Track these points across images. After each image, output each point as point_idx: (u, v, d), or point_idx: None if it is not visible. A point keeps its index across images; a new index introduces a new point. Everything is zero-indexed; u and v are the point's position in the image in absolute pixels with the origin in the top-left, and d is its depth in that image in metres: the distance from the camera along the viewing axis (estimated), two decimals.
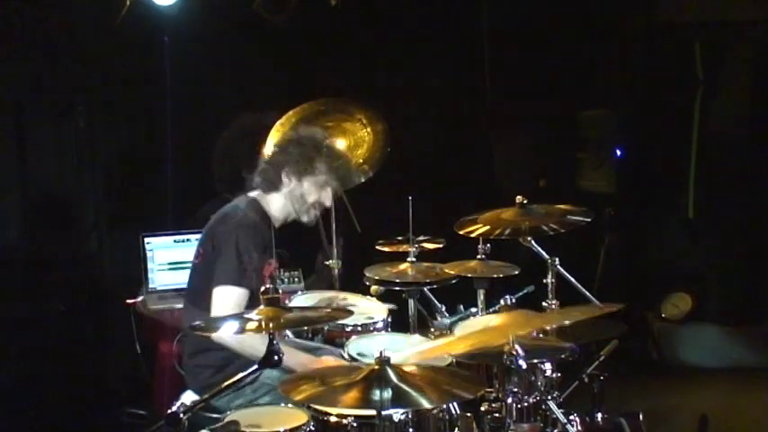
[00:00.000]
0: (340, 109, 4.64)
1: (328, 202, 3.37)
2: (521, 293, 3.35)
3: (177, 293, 4.04)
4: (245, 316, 2.42)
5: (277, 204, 3.32)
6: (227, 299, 3.07)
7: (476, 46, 5.99)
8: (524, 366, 2.66)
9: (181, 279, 3.98)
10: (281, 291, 2.47)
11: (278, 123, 3.98)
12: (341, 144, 4.55)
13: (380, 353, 2.32)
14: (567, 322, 2.80)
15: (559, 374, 3.05)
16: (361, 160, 4.54)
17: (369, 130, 4.60)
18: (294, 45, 5.37)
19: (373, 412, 2.33)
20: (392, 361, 2.31)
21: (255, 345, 2.86)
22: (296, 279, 4.66)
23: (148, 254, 4.46)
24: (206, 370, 3.19)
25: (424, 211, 3.56)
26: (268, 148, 3.38)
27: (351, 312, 2.70)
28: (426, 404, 2.29)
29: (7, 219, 4.69)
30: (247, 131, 4.09)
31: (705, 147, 5.72)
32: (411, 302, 3.58)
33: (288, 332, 3.49)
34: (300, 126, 3.45)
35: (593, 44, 5.98)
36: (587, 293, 3.32)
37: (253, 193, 3.34)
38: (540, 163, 6.06)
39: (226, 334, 2.93)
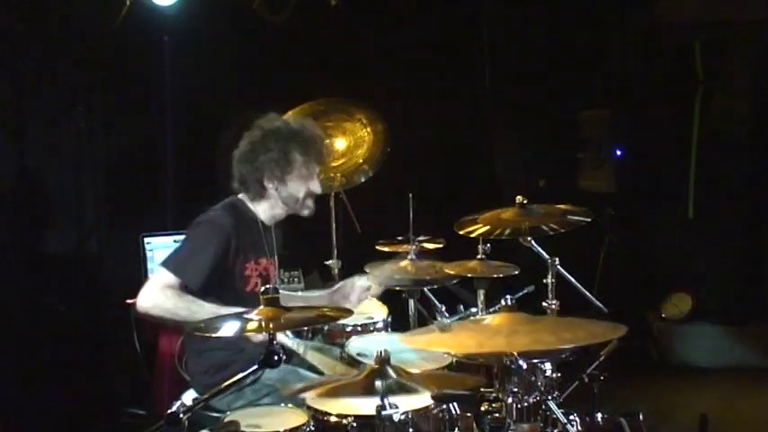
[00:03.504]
0: (340, 109, 4.65)
1: (318, 188, 3.30)
2: (521, 293, 3.35)
3: None
4: (245, 316, 2.42)
5: (265, 208, 3.29)
6: (155, 279, 3.08)
7: (476, 46, 5.99)
8: (524, 366, 2.66)
9: None
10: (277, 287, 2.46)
11: None
12: (341, 144, 4.58)
13: (380, 353, 2.32)
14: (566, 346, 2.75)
15: (559, 374, 3.04)
16: (361, 160, 4.55)
17: (369, 130, 4.61)
18: (294, 45, 5.37)
19: (373, 412, 2.33)
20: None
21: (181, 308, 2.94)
22: (296, 279, 4.66)
23: (148, 254, 4.46)
24: (207, 370, 3.19)
25: (424, 211, 3.56)
26: (240, 153, 3.26)
27: (351, 312, 2.69)
28: (426, 395, 2.28)
29: (7, 218, 4.69)
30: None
31: (705, 146, 5.72)
32: (411, 302, 3.57)
33: (288, 333, 3.49)
34: (260, 120, 3.29)
35: (593, 44, 5.98)
36: (587, 294, 3.31)
37: (240, 195, 3.31)
38: (540, 163, 6.06)
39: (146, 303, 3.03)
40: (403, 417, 2.50)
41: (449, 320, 3.49)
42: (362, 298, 3.47)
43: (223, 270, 3.12)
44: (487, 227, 3.32)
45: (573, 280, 3.28)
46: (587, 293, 3.31)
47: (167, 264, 3.10)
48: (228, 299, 3.08)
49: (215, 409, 2.95)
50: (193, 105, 5.05)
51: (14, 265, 4.67)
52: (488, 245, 3.45)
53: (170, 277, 3.05)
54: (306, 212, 3.32)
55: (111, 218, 4.96)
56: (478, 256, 3.45)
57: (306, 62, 5.44)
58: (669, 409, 4.67)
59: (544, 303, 3.21)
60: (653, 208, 6.00)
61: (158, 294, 3.02)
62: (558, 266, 3.20)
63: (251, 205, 3.29)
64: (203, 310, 2.94)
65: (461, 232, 3.39)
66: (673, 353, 5.68)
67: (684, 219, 5.79)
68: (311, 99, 4.63)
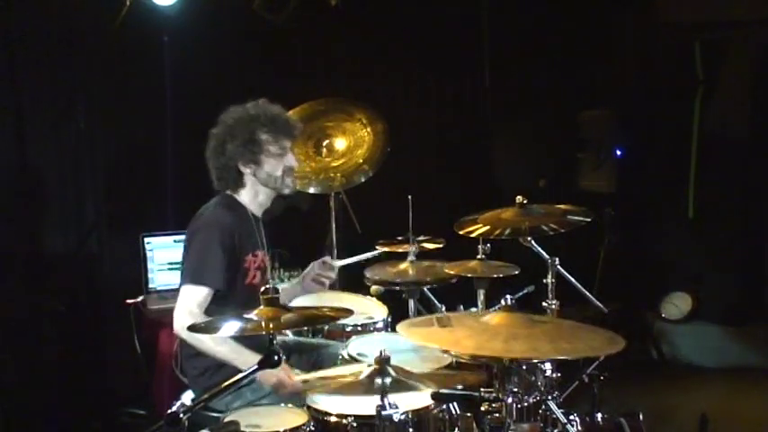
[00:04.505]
0: (340, 109, 4.65)
1: (294, 162, 3.35)
2: (521, 293, 3.35)
3: (177, 293, 4.03)
4: (245, 316, 2.42)
5: (249, 196, 3.33)
6: (187, 297, 3.10)
7: (476, 46, 5.99)
8: (524, 366, 2.66)
9: None
10: (277, 286, 2.47)
11: None
12: (341, 144, 4.57)
13: (380, 353, 2.32)
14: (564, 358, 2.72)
15: (559, 374, 3.04)
16: (361, 160, 4.54)
17: (369, 130, 4.60)
18: (294, 45, 5.37)
19: (373, 412, 2.33)
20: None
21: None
22: (296, 279, 4.65)
23: (148, 254, 4.47)
24: (204, 372, 3.20)
25: (424, 211, 3.56)
26: (210, 149, 3.32)
27: (351, 312, 2.69)
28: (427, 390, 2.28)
29: (7, 218, 4.69)
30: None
31: (705, 146, 5.72)
32: (411, 302, 3.57)
33: (288, 332, 3.50)
34: (221, 116, 3.35)
35: (594, 44, 5.98)
36: (587, 294, 3.32)
37: (227, 191, 3.35)
38: (540, 163, 6.06)
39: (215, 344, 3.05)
40: (403, 417, 2.51)
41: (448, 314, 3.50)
42: (330, 275, 3.56)
43: (233, 266, 3.16)
44: (487, 227, 3.32)
45: (573, 280, 3.28)
46: (587, 293, 3.31)
47: (185, 278, 3.14)
48: (236, 293, 3.15)
49: (215, 409, 2.95)
50: (193, 105, 5.04)
51: (14, 265, 4.67)
52: (488, 245, 3.46)
53: (194, 290, 3.09)
54: (287, 190, 3.36)
55: (111, 218, 4.96)
56: (478, 256, 3.45)
57: (306, 62, 5.44)
58: (669, 409, 4.66)
59: (544, 303, 3.21)
60: (653, 208, 6.00)
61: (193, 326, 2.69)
62: (558, 266, 3.21)
63: (239, 199, 3.33)
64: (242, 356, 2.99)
65: (461, 232, 3.39)
66: (673, 353, 5.68)
67: (684, 219, 5.79)
68: (311, 99, 4.64)
